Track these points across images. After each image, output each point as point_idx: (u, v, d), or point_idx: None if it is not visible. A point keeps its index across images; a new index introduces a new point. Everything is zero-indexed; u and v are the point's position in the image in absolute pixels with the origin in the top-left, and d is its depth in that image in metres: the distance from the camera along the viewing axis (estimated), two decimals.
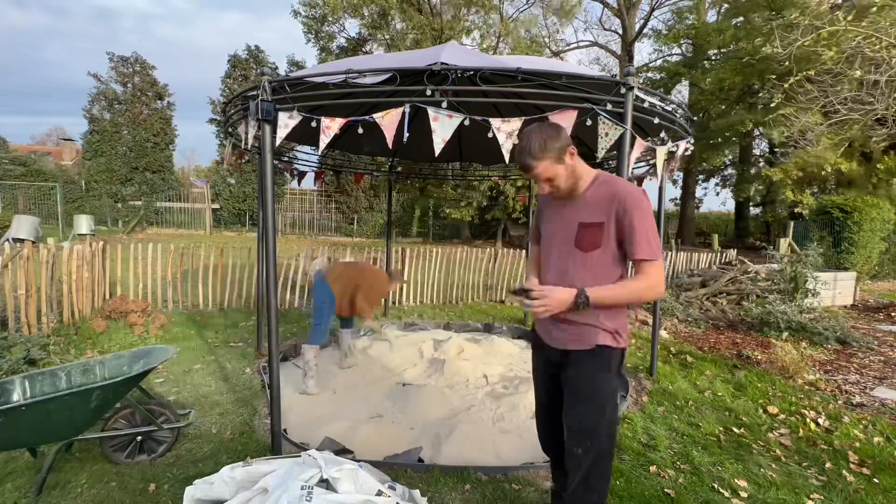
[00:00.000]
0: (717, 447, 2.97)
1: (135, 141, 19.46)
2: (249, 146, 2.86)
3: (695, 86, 18.23)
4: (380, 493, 1.78)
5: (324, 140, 2.45)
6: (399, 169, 6.48)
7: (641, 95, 2.57)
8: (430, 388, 3.89)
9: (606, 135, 2.41)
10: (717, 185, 24.49)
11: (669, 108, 2.99)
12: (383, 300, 6.64)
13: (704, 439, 3.07)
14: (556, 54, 22.89)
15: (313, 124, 2.46)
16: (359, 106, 4.32)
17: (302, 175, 5.32)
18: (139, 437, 2.63)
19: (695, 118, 4.57)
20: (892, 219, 10.13)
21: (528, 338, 5.43)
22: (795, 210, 13.84)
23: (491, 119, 2.42)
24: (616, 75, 2.59)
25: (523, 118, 2.45)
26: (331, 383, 3.92)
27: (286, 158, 5.66)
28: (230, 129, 3.60)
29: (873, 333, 6.04)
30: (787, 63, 8.56)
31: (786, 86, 8.68)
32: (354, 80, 2.47)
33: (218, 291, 6.31)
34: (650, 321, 5.51)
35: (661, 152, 3.05)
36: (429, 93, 2.35)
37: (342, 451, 2.73)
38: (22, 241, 9.55)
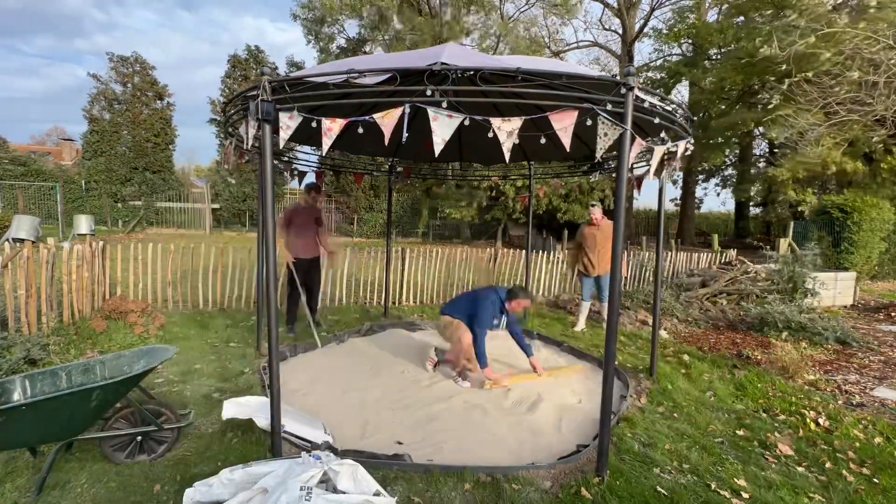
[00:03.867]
0: (716, 447, 2.97)
1: (134, 141, 19.47)
2: (250, 146, 2.86)
3: (695, 85, 18.23)
4: (378, 494, 1.78)
5: (326, 142, 2.44)
6: (399, 169, 6.47)
7: (641, 95, 2.56)
8: (436, 386, 3.89)
9: (605, 134, 2.41)
10: (717, 185, 24.50)
11: (669, 108, 2.98)
12: (383, 300, 6.64)
13: (704, 439, 3.07)
14: (556, 54, 22.89)
15: (314, 125, 2.46)
16: (359, 106, 4.33)
17: (302, 175, 5.32)
18: (139, 437, 2.63)
19: (695, 118, 4.57)
20: (892, 219, 10.13)
21: (531, 335, 5.43)
22: (798, 209, 13.83)
23: (491, 118, 2.42)
24: (616, 75, 2.58)
25: (523, 117, 2.45)
26: (333, 380, 3.92)
27: (286, 158, 5.64)
28: (230, 129, 3.60)
29: (873, 333, 6.04)
30: (784, 66, 8.57)
31: (784, 87, 8.69)
32: (355, 80, 2.47)
33: (218, 291, 6.30)
34: (650, 321, 5.51)
35: (658, 153, 3.05)
36: (429, 93, 2.35)
37: (329, 448, 2.72)
38: (22, 240, 9.56)
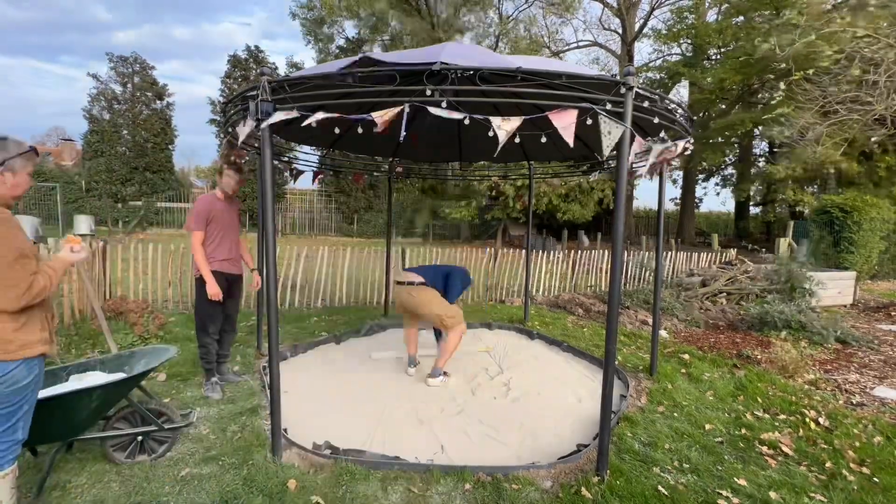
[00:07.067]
0: (716, 447, 2.97)
1: (134, 141, 19.46)
2: (241, 142, 2.85)
3: (695, 85, 18.24)
4: None
5: (311, 120, 2.42)
6: (399, 169, 6.47)
7: (641, 94, 2.57)
8: (436, 385, 3.89)
9: (609, 133, 2.41)
10: (717, 185, 24.52)
11: (669, 108, 2.99)
12: (384, 300, 6.63)
13: (704, 439, 3.07)
14: (555, 54, 22.88)
15: (314, 124, 2.46)
16: (359, 106, 4.32)
17: (299, 173, 5.32)
18: (140, 437, 2.63)
19: (695, 118, 4.56)
20: (891, 218, 10.13)
21: (531, 335, 5.43)
22: (796, 209, 13.84)
23: (491, 118, 2.41)
24: (616, 75, 2.58)
25: (523, 117, 2.45)
26: (332, 380, 3.92)
27: (286, 158, 5.64)
28: (230, 129, 3.59)
29: (873, 333, 6.04)
30: (783, 65, 8.56)
31: (783, 86, 8.69)
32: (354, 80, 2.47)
33: None
34: (650, 321, 5.51)
35: (654, 152, 3.05)
36: (429, 93, 2.35)
37: (329, 448, 2.73)
38: None
